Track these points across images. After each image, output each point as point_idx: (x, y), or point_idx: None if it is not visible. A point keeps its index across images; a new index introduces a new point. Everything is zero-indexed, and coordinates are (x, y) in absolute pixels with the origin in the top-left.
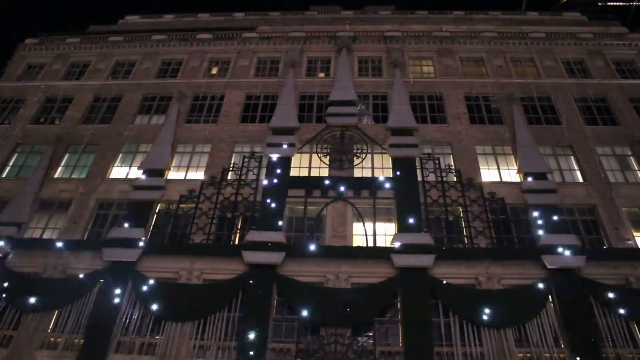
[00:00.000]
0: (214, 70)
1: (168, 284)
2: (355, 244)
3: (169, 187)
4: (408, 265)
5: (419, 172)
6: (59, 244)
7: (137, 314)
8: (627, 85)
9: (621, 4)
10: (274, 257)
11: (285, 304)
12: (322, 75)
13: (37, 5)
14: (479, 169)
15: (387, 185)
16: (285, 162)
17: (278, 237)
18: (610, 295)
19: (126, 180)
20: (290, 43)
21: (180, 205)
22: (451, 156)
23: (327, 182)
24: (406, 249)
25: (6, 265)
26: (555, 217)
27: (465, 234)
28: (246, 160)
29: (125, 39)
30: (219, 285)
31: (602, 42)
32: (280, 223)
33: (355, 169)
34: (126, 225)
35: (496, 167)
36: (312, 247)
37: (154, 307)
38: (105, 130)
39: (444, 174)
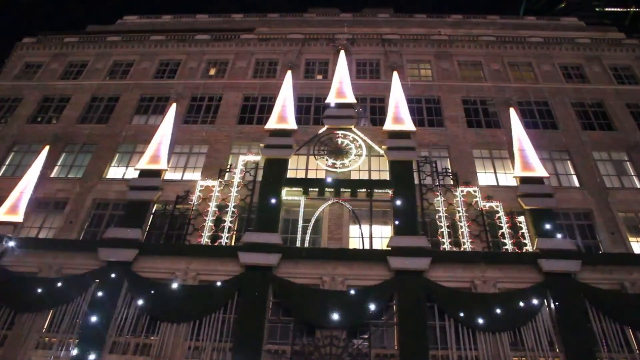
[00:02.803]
0: (212, 71)
1: (164, 284)
2: (351, 246)
3: (166, 187)
4: (404, 268)
5: (415, 175)
6: (55, 244)
7: (132, 314)
8: (623, 91)
9: (619, 9)
10: (270, 259)
11: (281, 305)
12: (320, 77)
13: (36, 4)
14: (476, 172)
15: (384, 188)
16: (282, 163)
17: (274, 238)
18: (606, 300)
19: (123, 181)
20: (288, 45)
21: (177, 206)
22: (448, 159)
23: (323, 184)
24: (402, 252)
25: (1, 264)
26: (551, 222)
27: (461, 237)
28: (243, 161)
29: (123, 39)
30: (215, 286)
31: (599, 48)
32: (276, 225)
33: (352, 172)
34: (122, 225)
35: (493, 171)
36: (308, 249)
37: (149, 307)
38: (103, 130)
39: (440, 177)
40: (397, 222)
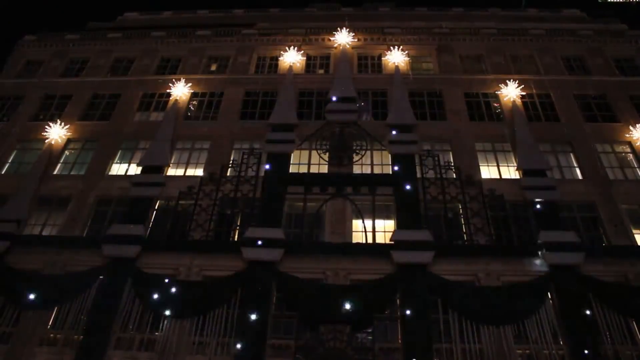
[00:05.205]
0: (214, 67)
1: (168, 280)
2: (354, 241)
3: (169, 183)
4: (407, 262)
5: (418, 168)
6: (59, 241)
7: (136, 310)
8: (626, 82)
9: (621, 0)
10: (274, 254)
11: (285, 300)
12: (321, 71)
13: (36, 1)
14: (479, 165)
15: (387, 182)
16: (285, 158)
17: (277, 233)
18: (609, 292)
19: (126, 177)
20: (289, 40)
21: (180, 202)
22: (450, 153)
23: (326, 178)
24: (405, 246)
25: (6, 261)
26: (554, 214)
27: (464, 230)
28: (245, 156)
29: (124, 35)
30: (218, 282)
31: (602, 39)
32: (279, 220)
33: (354, 166)
34: (125, 222)
35: (495, 164)
36: (312, 244)
37: (153, 303)
38: (105, 127)
39: (443, 171)
40: (399, 216)
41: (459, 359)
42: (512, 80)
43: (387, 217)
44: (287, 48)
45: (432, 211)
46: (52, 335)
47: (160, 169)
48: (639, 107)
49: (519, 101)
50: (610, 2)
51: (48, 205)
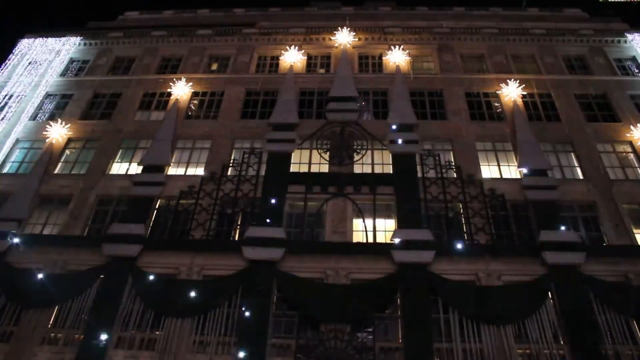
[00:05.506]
0: (214, 66)
1: (168, 279)
2: (355, 240)
3: (169, 183)
4: (408, 261)
5: (419, 168)
6: (59, 240)
7: (137, 309)
8: (627, 82)
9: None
10: (274, 253)
11: (285, 300)
12: (322, 71)
13: (36, 1)
14: (479, 165)
15: (387, 181)
16: (285, 158)
17: (278, 233)
18: (610, 292)
19: (126, 176)
20: (290, 39)
21: (181, 201)
22: (451, 152)
23: (327, 178)
24: (406, 245)
25: (6, 261)
26: (555, 214)
27: (465, 230)
28: (246, 156)
29: (125, 35)
30: (219, 281)
31: (602, 39)
32: (280, 219)
33: (355, 165)
34: (126, 221)
35: (496, 164)
36: (312, 243)
37: (154, 302)
38: (105, 126)
39: (444, 170)
40: (400, 216)
41: (460, 358)
42: (513, 79)
43: (388, 217)
44: (287, 47)
45: (432, 211)
46: (53, 334)
47: (161, 168)
48: (639, 107)
49: (519, 101)
50: (611, 1)
51: (49, 204)
